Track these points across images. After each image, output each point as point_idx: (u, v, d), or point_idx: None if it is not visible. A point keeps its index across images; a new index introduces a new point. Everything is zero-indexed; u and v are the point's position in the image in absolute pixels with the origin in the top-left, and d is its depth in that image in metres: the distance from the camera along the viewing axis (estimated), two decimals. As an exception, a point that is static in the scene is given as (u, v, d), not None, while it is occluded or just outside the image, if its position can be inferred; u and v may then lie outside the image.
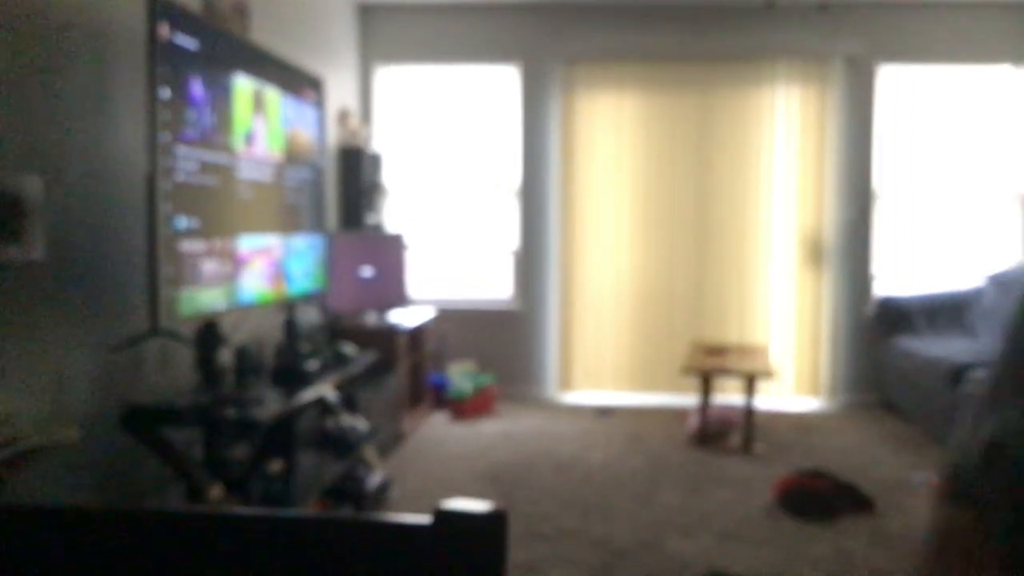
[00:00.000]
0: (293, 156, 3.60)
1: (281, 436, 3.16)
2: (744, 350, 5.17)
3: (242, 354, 3.16)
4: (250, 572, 0.71)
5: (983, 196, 5.76)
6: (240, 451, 2.83)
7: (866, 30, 5.63)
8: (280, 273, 3.47)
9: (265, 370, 3.28)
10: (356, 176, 5.37)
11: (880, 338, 5.60)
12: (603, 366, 5.90)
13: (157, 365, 3.00)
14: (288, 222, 3.56)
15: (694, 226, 5.81)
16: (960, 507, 0.95)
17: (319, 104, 3.93)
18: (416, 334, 5.28)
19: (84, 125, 2.67)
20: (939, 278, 5.73)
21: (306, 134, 3.78)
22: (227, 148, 2.99)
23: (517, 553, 3.21)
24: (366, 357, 3.87)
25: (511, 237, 5.96)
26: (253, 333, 3.55)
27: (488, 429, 5.11)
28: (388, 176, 5.86)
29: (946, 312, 5.50)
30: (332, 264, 4.32)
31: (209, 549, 0.72)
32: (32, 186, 2.37)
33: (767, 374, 4.57)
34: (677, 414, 5.40)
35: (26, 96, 2.43)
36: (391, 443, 4.60)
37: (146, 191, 2.56)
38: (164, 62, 2.56)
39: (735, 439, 4.69)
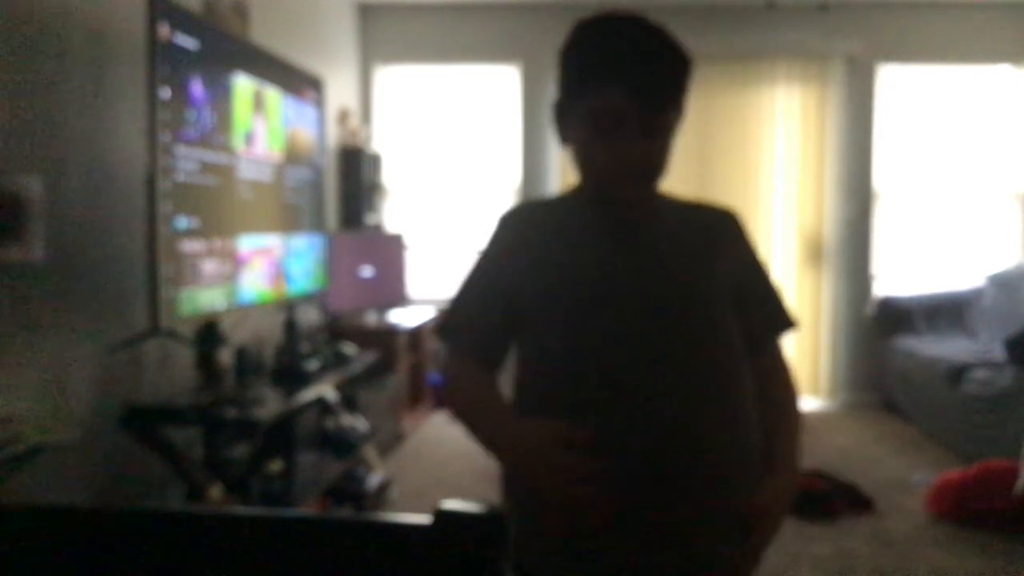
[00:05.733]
0: (293, 156, 3.60)
1: (281, 436, 3.16)
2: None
3: (242, 354, 3.16)
4: (250, 572, 0.71)
5: (983, 196, 5.76)
6: (240, 451, 2.83)
7: (866, 30, 5.63)
8: (280, 273, 3.47)
9: (265, 370, 3.29)
10: (356, 176, 5.37)
11: (880, 338, 5.60)
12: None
13: (157, 365, 3.00)
14: (288, 222, 3.56)
15: (694, 226, 5.80)
16: None
17: (319, 104, 3.93)
18: (416, 334, 5.28)
19: (84, 125, 2.67)
20: (939, 278, 5.73)
21: (306, 134, 3.78)
22: (227, 148, 2.99)
23: (517, 553, 3.21)
24: (366, 357, 3.87)
25: (511, 237, 5.95)
26: (253, 333, 3.55)
27: (488, 429, 5.10)
28: (388, 176, 5.86)
29: (946, 312, 5.50)
30: (332, 264, 4.32)
31: (209, 549, 0.72)
32: (32, 186, 2.37)
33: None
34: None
35: (26, 96, 2.43)
36: (391, 443, 4.60)
37: (146, 191, 2.56)
38: (164, 62, 2.56)
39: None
